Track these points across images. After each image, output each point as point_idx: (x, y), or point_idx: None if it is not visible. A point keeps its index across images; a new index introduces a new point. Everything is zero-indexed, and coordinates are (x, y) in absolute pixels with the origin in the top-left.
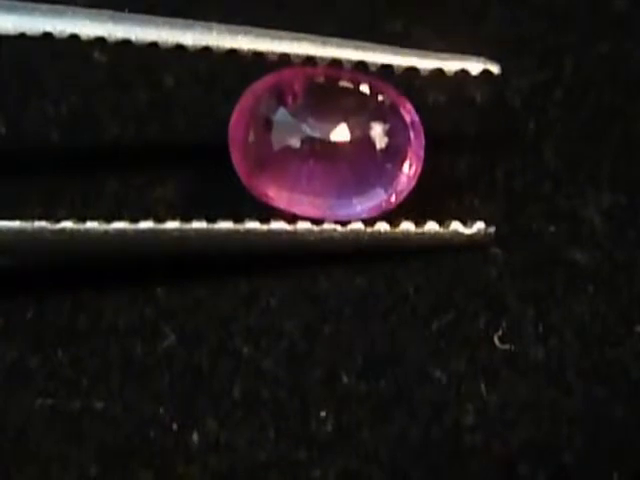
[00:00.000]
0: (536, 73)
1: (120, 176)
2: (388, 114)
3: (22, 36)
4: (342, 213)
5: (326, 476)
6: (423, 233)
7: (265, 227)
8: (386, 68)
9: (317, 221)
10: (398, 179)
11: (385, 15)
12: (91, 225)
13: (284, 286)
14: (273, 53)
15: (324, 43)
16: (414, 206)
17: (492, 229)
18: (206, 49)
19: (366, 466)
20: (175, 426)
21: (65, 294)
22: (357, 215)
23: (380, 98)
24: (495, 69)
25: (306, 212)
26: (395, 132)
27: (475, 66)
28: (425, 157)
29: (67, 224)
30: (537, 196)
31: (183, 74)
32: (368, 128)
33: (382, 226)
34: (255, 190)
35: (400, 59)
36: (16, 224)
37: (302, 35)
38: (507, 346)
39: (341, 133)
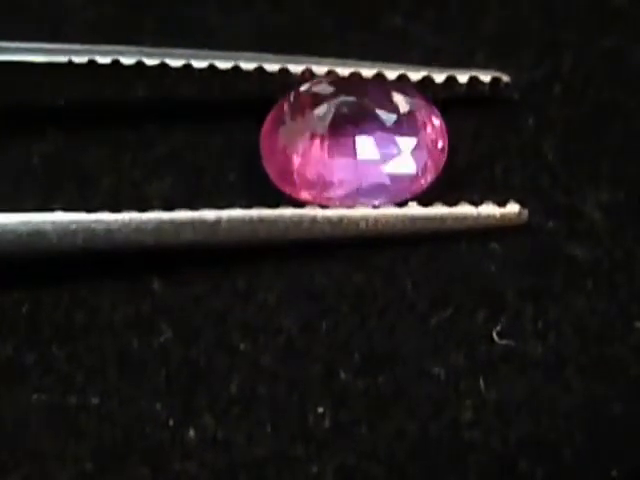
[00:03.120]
0: (535, 69)
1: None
2: (412, 102)
3: None
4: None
5: (324, 472)
6: (457, 215)
7: (296, 212)
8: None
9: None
10: (428, 155)
11: (384, 10)
12: (87, 217)
13: (282, 282)
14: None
15: (343, 63)
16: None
17: (526, 210)
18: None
19: (364, 462)
20: (172, 422)
21: (61, 289)
22: (388, 200)
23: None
24: (505, 78)
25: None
26: (417, 109)
27: (485, 75)
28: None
29: (64, 216)
30: (535, 191)
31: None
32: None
33: (415, 209)
34: (287, 192)
35: (414, 74)
36: (13, 217)
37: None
38: (506, 342)
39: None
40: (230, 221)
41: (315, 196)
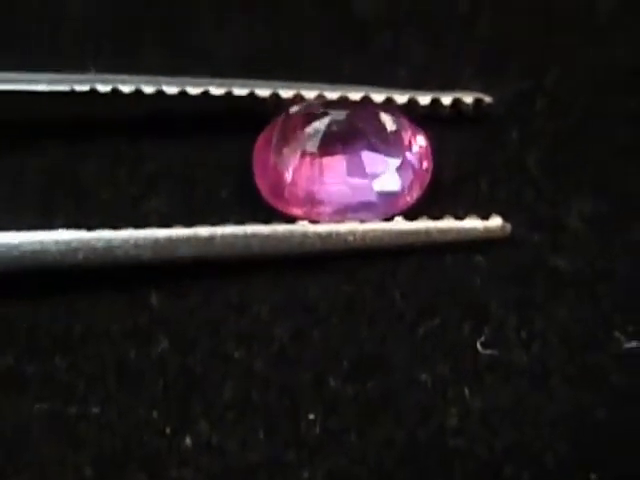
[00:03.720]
0: (519, 82)
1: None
2: (398, 122)
3: None
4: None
5: (315, 477)
6: (442, 228)
7: (287, 227)
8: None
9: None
10: (413, 174)
11: (372, 31)
12: (87, 234)
13: (274, 293)
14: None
15: (332, 88)
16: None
17: (509, 224)
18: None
19: (353, 467)
20: (168, 429)
21: (61, 302)
22: (376, 216)
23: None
24: (487, 99)
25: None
26: (402, 129)
27: (468, 96)
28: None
29: (66, 234)
30: (519, 203)
31: None
32: (380, 130)
33: (401, 223)
34: (278, 208)
35: (400, 96)
36: (14, 235)
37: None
38: (490, 351)
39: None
40: (224, 237)
41: (305, 212)
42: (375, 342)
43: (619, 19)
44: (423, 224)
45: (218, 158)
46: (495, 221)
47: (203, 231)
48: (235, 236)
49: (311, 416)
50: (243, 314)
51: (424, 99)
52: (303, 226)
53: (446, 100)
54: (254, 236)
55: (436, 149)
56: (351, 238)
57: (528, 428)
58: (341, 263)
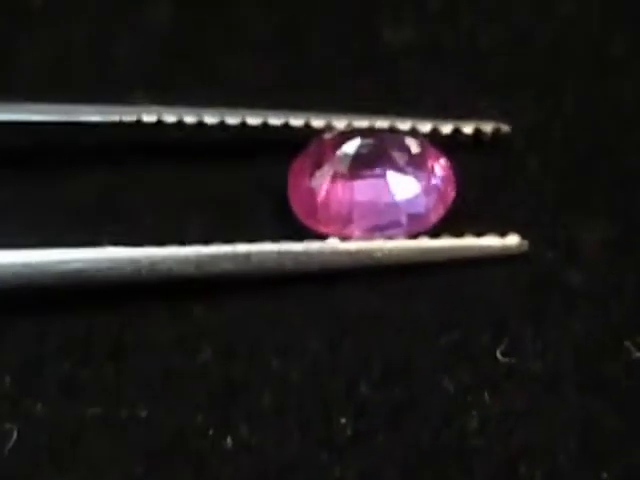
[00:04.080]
0: (537, 112)
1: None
2: (422, 146)
3: None
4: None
5: (346, 475)
6: (463, 245)
7: (318, 245)
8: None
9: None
10: (437, 195)
11: (388, 52)
12: (134, 251)
13: (308, 306)
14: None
15: (360, 117)
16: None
17: (526, 241)
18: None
19: (381, 466)
20: (211, 431)
21: (113, 314)
22: (402, 234)
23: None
24: (505, 128)
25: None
26: (427, 153)
27: (488, 125)
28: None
29: (115, 251)
30: (536, 224)
31: None
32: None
33: (425, 241)
34: (312, 227)
35: (420, 125)
36: (66, 251)
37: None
38: (508, 360)
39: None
40: (260, 253)
41: (337, 231)
42: (402, 351)
43: (633, 51)
44: (445, 242)
45: (256, 182)
46: (512, 239)
47: (241, 248)
48: (270, 253)
49: (343, 419)
50: (280, 325)
51: (446, 128)
52: (333, 243)
53: (467, 129)
54: (288, 253)
55: (459, 173)
56: (378, 255)
57: (542, 431)
58: (370, 279)
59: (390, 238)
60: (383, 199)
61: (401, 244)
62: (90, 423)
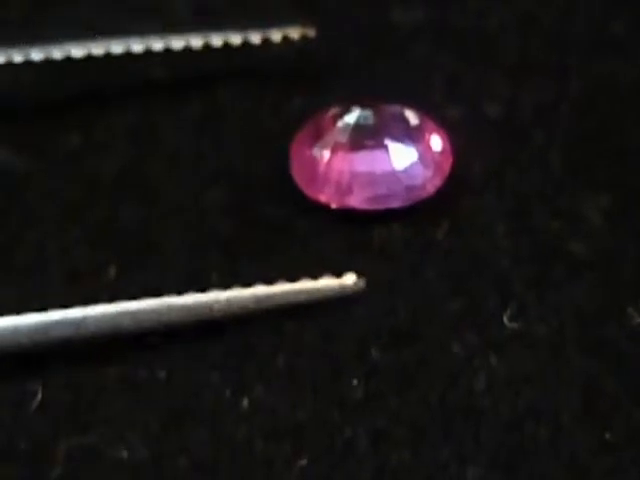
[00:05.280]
0: (543, 90)
1: None
2: (420, 125)
3: None
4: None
5: (357, 435)
6: (300, 289)
7: (151, 303)
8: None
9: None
10: (435, 165)
11: (408, 41)
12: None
13: (319, 274)
14: None
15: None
16: (437, 202)
17: (362, 280)
18: None
19: (392, 425)
20: (228, 392)
21: (130, 280)
22: (401, 204)
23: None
24: (312, 33)
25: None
26: (424, 125)
27: (294, 32)
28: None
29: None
30: (542, 196)
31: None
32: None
33: (260, 289)
34: (312, 197)
35: (232, 38)
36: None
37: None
38: (514, 324)
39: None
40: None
41: (336, 201)
42: (412, 316)
43: (627, 39)
44: (281, 287)
45: (260, 156)
46: (349, 278)
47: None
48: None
49: (354, 381)
50: None
51: (256, 38)
52: (168, 300)
53: (276, 36)
54: (125, 313)
55: (466, 146)
56: (215, 307)
57: (547, 392)
58: (381, 250)
59: (388, 207)
60: (382, 169)
61: (236, 293)
62: (110, 383)
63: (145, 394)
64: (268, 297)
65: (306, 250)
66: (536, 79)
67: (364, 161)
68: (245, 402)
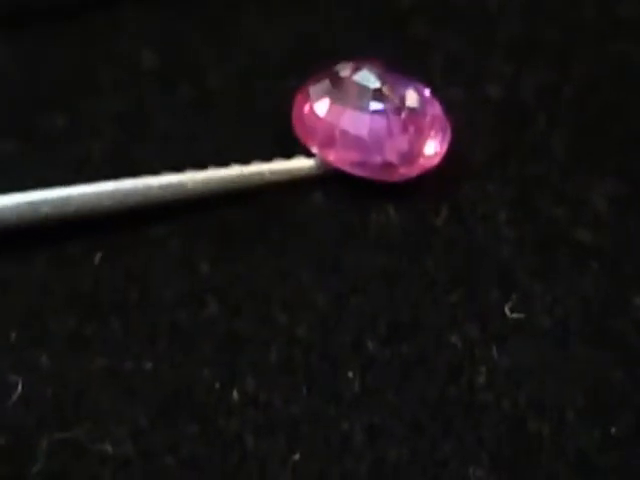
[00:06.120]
0: (548, 72)
1: None
2: (418, 91)
3: None
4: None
5: (353, 429)
6: (271, 170)
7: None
8: None
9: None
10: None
11: (409, 19)
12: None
13: (315, 262)
14: None
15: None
16: (437, 188)
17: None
18: None
19: (389, 421)
20: (217, 385)
21: (118, 269)
22: (401, 175)
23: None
24: None
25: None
26: (426, 105)
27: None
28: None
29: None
30: (546, 182)
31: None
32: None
33: (235, 169)
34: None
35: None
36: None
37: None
38: (517, 315)
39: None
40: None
41: (320, 151)
42: (410, 307)
43: (636, 20)
44: (255, 167)
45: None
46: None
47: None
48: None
49: (350, 374)
50: (287, 282)
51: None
52: (146, 181)
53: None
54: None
55: (469, 130)
56: (189, 186)
57: (550, 386)
58: (379, 237)
59: (380, 181)
60: (365, 133)
61: (211, 173)
62: (96, 375)
63: (131, 386)
64: (240, 177)
65: (302, 237)
66: (539, 60)
67: (351, 121)
68: (236, 395)
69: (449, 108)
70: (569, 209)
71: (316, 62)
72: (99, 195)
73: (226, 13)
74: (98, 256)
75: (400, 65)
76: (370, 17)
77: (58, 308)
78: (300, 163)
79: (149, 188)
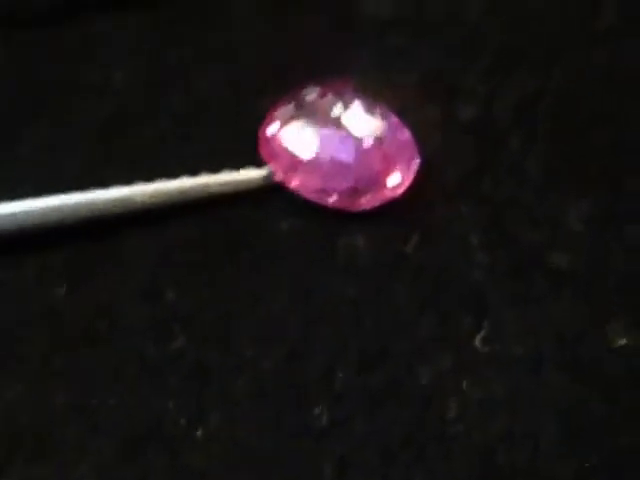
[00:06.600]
0: (523, 87)
1: None
2: (386, 118)
3: None
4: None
5: (324, 462)
6: (219, 182)
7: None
8: None
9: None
10: (400, 173)
11: (386, 31)
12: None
13: (283, 291)
14: None
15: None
16: (407, 212)
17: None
18: None
19: (359, 453)
20: (183, 420)
21: (86, 299)
22: (362, 205)
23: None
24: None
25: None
26: (393, 133)
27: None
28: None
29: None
30: (520, 204)
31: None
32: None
33: (185, 181)
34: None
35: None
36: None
37: None
38: (489, 344)
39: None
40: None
41: (284, 178)
42: (379, 337)
43: (619, 25)
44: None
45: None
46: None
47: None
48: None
49: (319, 407)
50: (255, 311)
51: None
52: (96, 194)
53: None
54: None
55: (442, 150)
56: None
57: (523, 416)
58: (347, 265)
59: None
60: (328, 160)
61: (161, 185)
62: (60, 410)
63: (97, 422)
64: (191, 188)
65: (270, 265)
66: (515, 74)
67: (320, 147)
68: (202, 430)
69: (421, 128)
70: (544, 232)
71: (285, 79)
72: (45, 210)
73: (199, 30)
74: (64, 287)
75: (371, 84)
76: (344, 34)
77: (23, 340)
78: (250, 174)
79: (102, 201)
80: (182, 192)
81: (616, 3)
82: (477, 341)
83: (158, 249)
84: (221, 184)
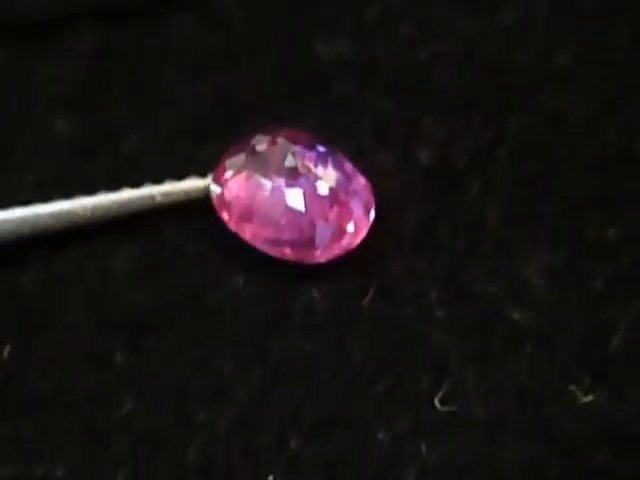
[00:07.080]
0: (480, 134)
1: None
2: (340, 165)
3: None
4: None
5: None
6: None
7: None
8: None
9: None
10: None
11: (336, 78)
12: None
13: (236, 353)
14: None
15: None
16: (363, 264)
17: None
18: None
19: None
20: None
21: (27, 364)
22: (317, 257)
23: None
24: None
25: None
26: (347, 184)
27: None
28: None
29: None
30: (479, 256)
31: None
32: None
33: (127, 192)
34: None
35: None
36: None
37: None
38: (448, 406)
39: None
40: None
41: (236, 229)
42: (334, 400)
43: (574, 71)
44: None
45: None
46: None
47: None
48: None
49: (271, 478)
50: (206, 374)
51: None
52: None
53: None
54: None
55: (398, 199)
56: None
57: None
58: (302, 322)
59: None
60: (281, 212)
61: (102, 198)
62: None
63: None
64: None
65: (221, 324)
66: (472, 120)
67: (271, 198)
68: None
69: (377, 175)
70: (503, 286)
71: (237, 126)
72: None
73: (145, 74)
74: (6, 350)
75: (325, 129)
76: (295, 78)
77: None
78: (193, 184)
79: (38, 216)
80: (124, 204)
81: (570, 48)
82: (437, 401)
83: (102, 311)
84: (162, 195)
